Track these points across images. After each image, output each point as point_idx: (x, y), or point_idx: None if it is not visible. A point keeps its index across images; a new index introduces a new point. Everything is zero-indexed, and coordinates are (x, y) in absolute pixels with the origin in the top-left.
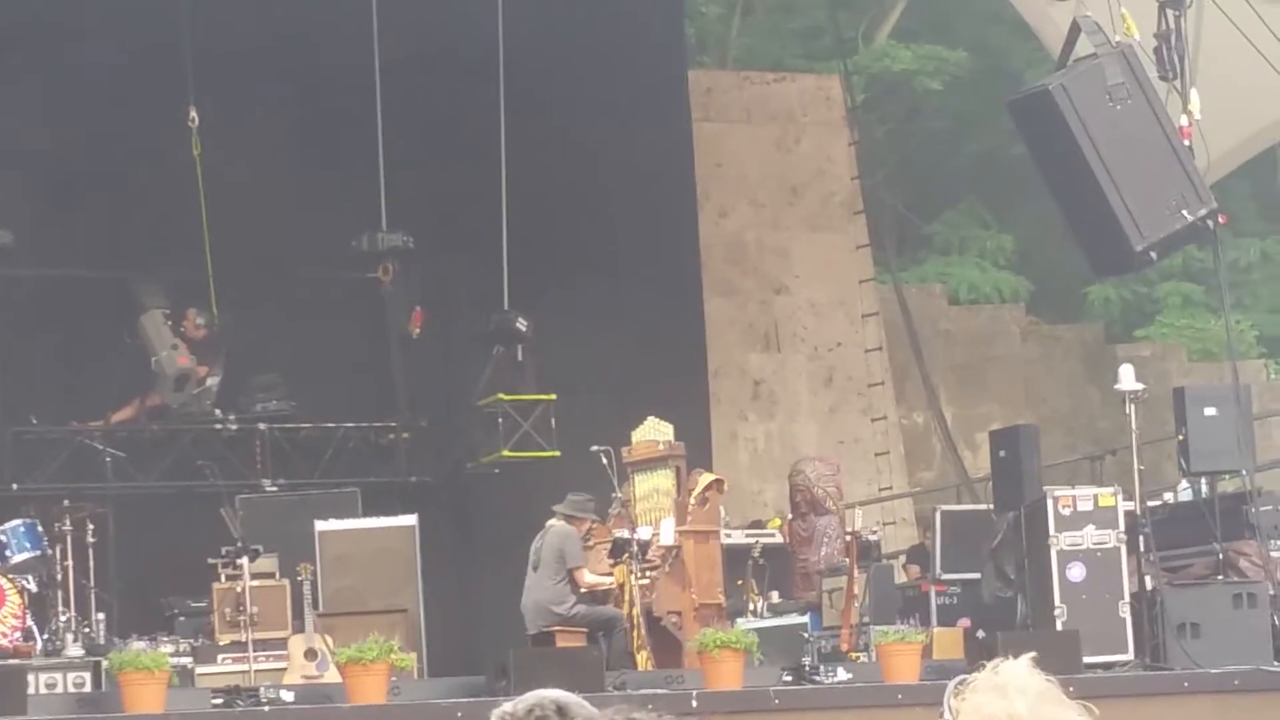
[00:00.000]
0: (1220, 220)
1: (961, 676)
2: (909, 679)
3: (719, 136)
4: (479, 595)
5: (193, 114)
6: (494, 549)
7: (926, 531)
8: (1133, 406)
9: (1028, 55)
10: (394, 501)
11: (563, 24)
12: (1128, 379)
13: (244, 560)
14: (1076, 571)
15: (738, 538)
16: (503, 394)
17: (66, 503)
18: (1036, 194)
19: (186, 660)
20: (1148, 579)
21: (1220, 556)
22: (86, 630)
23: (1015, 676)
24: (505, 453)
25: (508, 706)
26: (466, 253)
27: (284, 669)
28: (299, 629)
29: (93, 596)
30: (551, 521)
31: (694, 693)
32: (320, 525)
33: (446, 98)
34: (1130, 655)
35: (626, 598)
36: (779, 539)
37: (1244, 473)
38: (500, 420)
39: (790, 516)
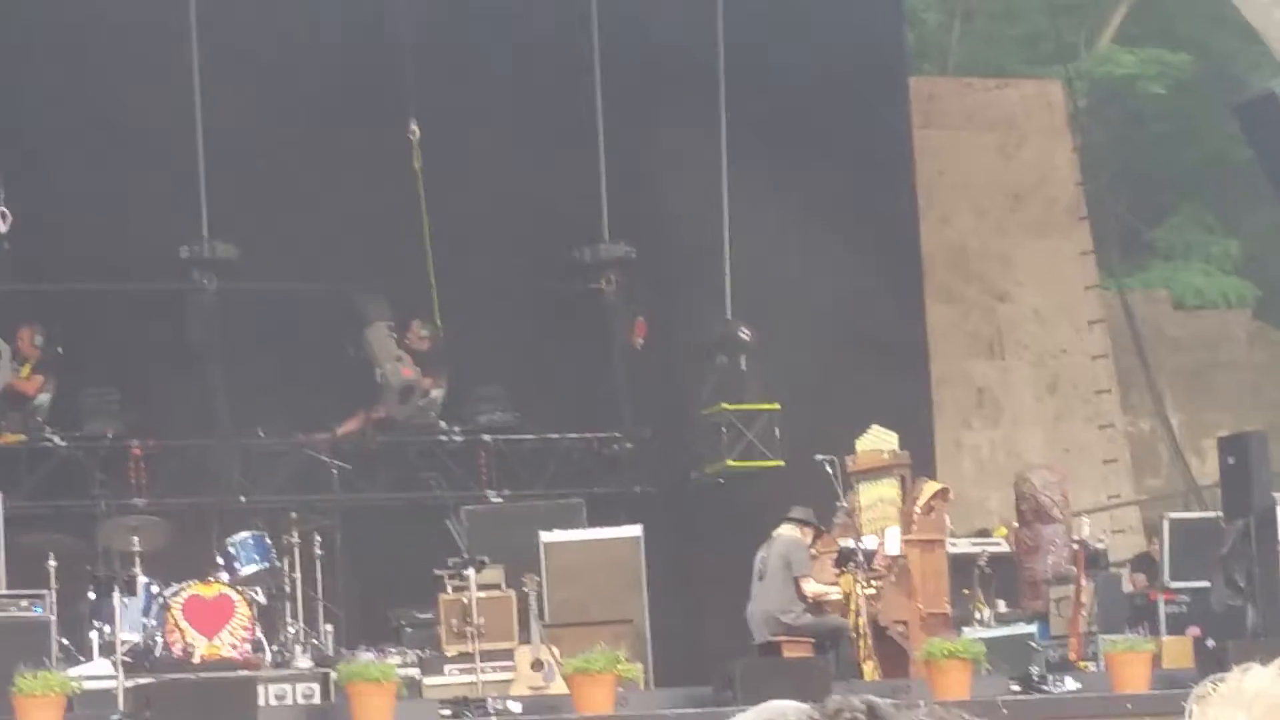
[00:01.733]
0: None
1: (1218, 676)
2: (1138, 688)
3: (941, 143)
4: (703, 605)
5: (414, 128)
6: (718, 559)
7: (1154, 539)
8: None
9: (1252, 58)
10: (618, 512)
11: (784, 33)
12: None
13: (470, 571)
14: None
15: (963, 546)
16: (726, 404)
17: (294, 515)
18: (1263, 197)
19: (414, 671)
20: None
21: None
22: (315, 642)
23: (1261, 683)
24: (729, 462)
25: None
26: (688, 263)
27: (511, 680)
28: (525, 640)
29: (321, 608)
30: (778, 530)
31: (921, 704)
32: (545, 536)
33: (667, 108)
34: None
35: (853, 607)
36: (1005, 548)
37: None
38: (724, 430)
39: (1016, 525)
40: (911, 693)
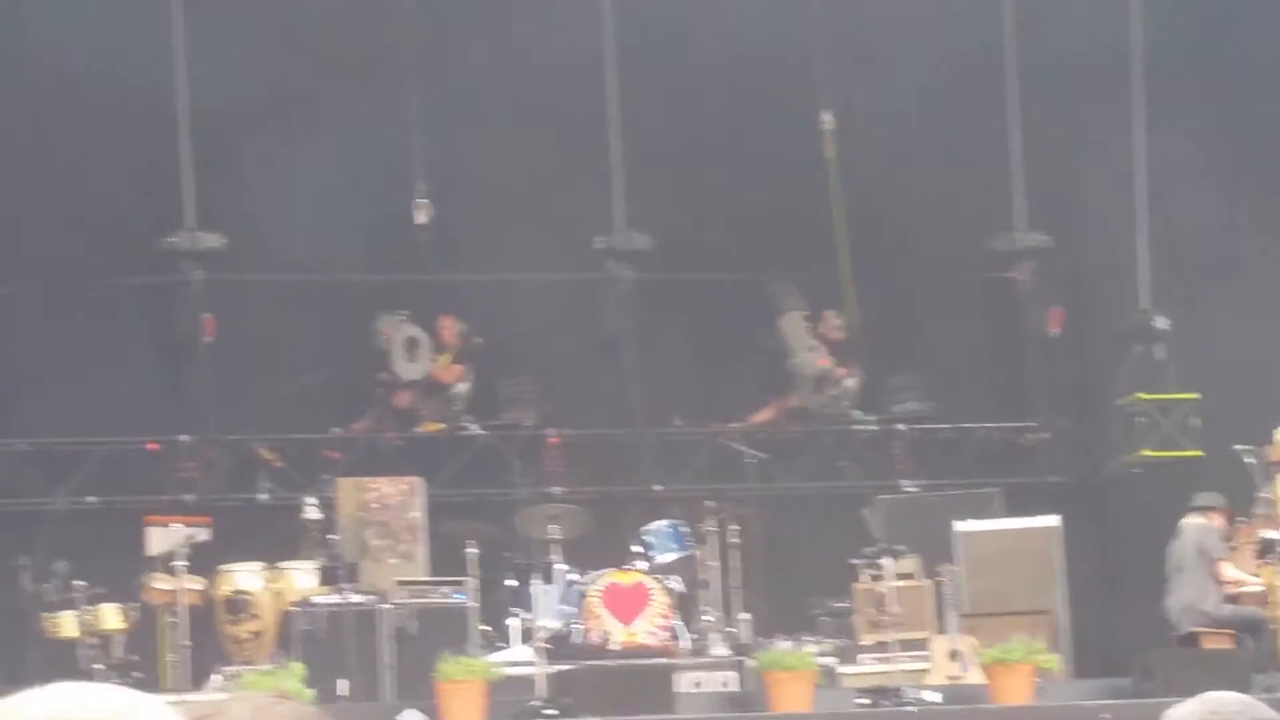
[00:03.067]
0: None
1: None
2: None
3: None
4: (1121, 596)
5: (826, 117)
6: (1135, 550)
7: None
8: None
9: None
10: (1033, 502)
11: (1206, 12)
12: None
13: (886, 561)
14: None
15: None
16: (1143, 393)
17: (709, 504)
18: None
19: (830, 660)
20: None
21: None
22: (731, 630)
23: None
24: (1145, 452)
25: None
26: (1104, 250)
27: (926, 669)
28: (941, 630)
29: (736, 596)
30: (1184, 521)
31: None
32: (960, 526)
33: (1081, 93)
34: None
35: (1274, 599)
36: None
37: None
38: (1141, 420)
39: None
40: None
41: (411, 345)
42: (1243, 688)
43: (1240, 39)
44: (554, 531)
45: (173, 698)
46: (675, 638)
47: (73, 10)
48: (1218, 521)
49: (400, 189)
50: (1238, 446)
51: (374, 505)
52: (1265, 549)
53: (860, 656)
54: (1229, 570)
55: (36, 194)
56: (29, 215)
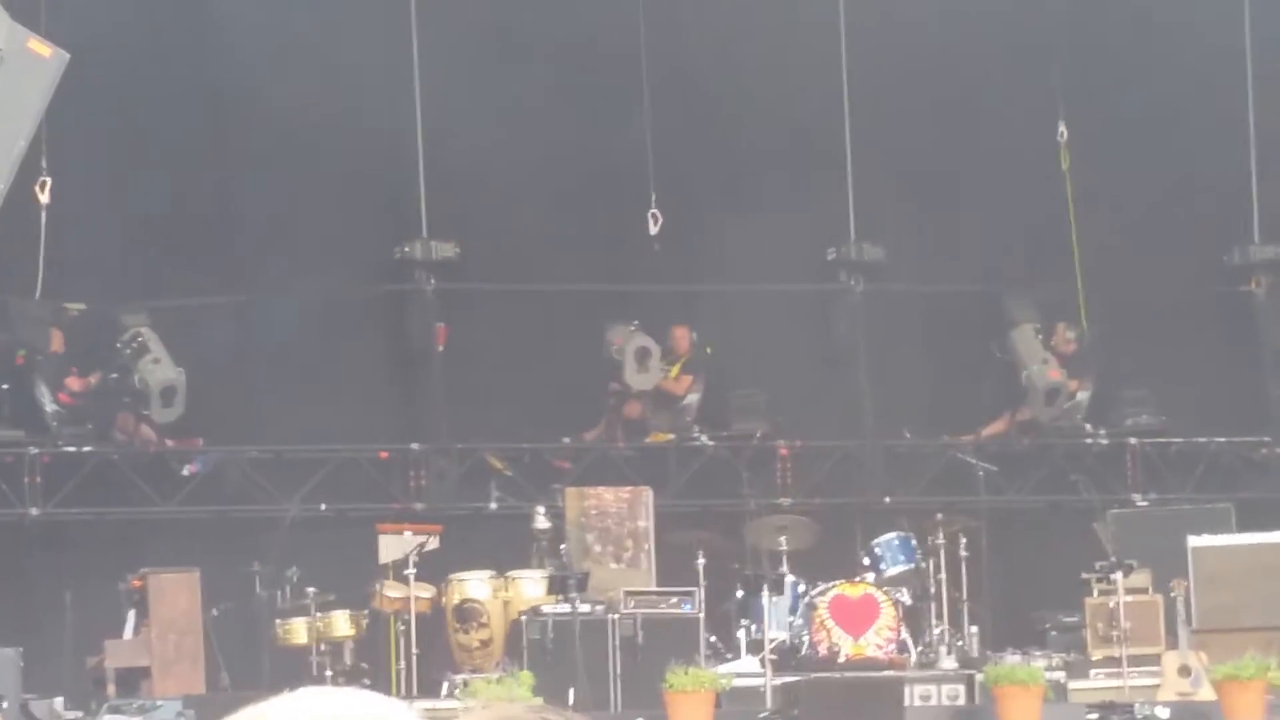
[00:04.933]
0: None
1: None
2: None
3: None
4: None
5: (1062, 129)
6: None
7: None
8: None
9: None
10: (1267, 517)
11: None
12: None
13: (1118, 575)
14: None
15: None
16: None
17: (940, 516)
18: None
19: (1060, 675)
20: None
21: None
22: (960, 643)
23: None
24: None
25: None
26: None
27: (1157, 685)
28: (1173, 645)
29: (966, 610)
30: None
31: None
32: (1193, 541)
33: None
34: None
35: None
36: None
37: None
38: None
39: None
40: None
41: (642, 355)
42: None
43: None
44: (782, 543)
45: (416, 704)
46: (903, 651)
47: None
48: None
49: (634, 198)
50: None
51: (594, 512)
52: None
53: (1090, 671)
54: None
55: (275, 207)
56: (270, 228)
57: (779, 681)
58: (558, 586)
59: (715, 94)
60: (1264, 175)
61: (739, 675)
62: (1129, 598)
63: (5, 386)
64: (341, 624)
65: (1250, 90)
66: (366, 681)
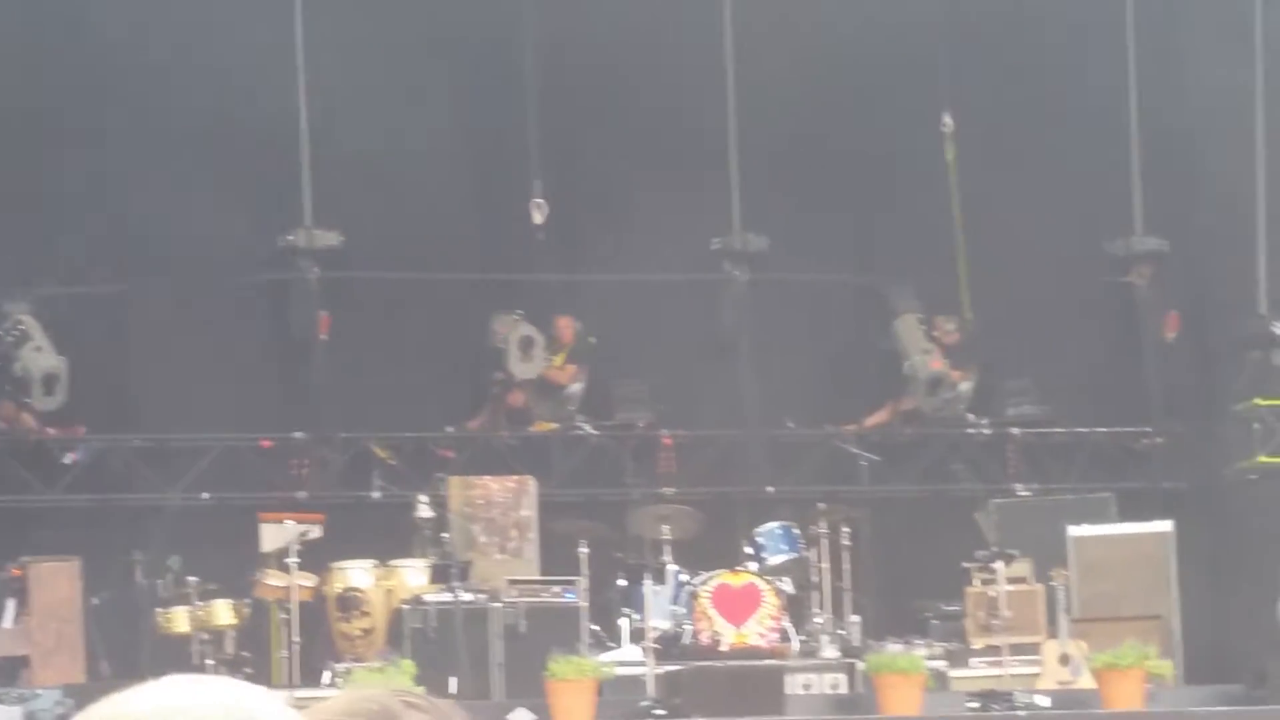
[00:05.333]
0: None
1: None
2: None
3: None
4: (1235, 602)
5: (946, 119)
6: (1249, 556)
7: None
8: None
9: None
10: (1147, 507)
11: None
12: None
13: (999, 564)
14: None
15: None
16: (1259, 399)
17: (822, 505)
18: None
19: (940, 663)
20: None
21: None
22: (841, 632)
23: None
24: (1261, 458)
25: None
26: (1221, 256)
27: (1037, 674)
28: (1053, 634)
29: (847, 598)
30: None
31: None
32: (1073, 530)
33: (1201, 98)
34: None
35: None
36: None
37: None
38: (1256, 426)
39: None
40: None
41: (526, 345)
42: None
43: None
44: (666, 532)
45: (284, 694)
46: (785, 639)
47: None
48: None
49: (518, 188)
50: None
51: (479, 502)
52: None
53: (971, 660)
54: None
55: (157, 194)
56: (151, 215)
57: (661, 670)
58: (440, 575)
59: (600, 85)
60: (1145, 166)
61: (621, 664)
62: (1010, 587)
63: None
64: (223, 613)
65: (1132, 82)
66: (248, 670)
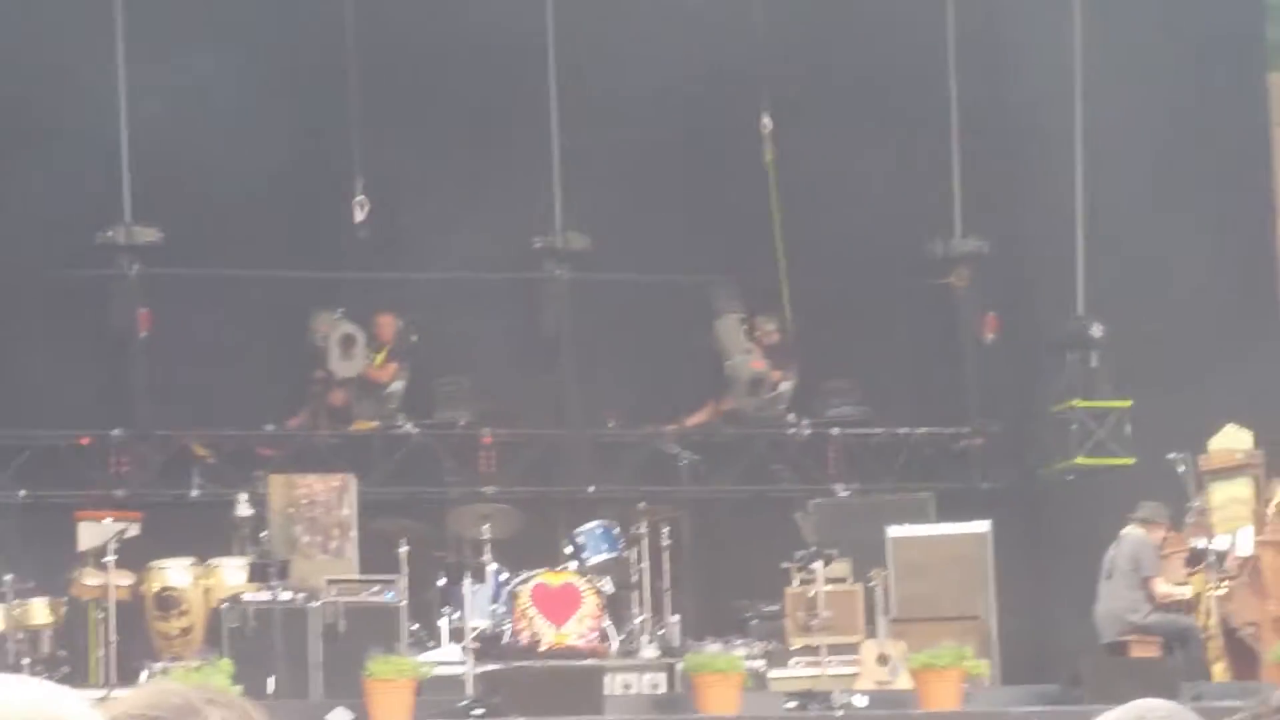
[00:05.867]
0: None
1: None
2: None
3: None
4: (1051, 603)
5: (766, 120)
6: (1066, 556)
7: None
8: None
9: None
10: (966, 507)
11: (1139, 27)
12: None
13: (817, 565)
14: None
15: None
16: (1077, 400)
17: (642, 505)
18: None
19: (759, 663)
20: None
21: None
22: (661, 632)
23: None
24: (1079, 459)
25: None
26: (1040, 258)
27: (856, 674)
28: (871, 634)
29: (668, 599)
30: (1126, 530)
31: None
32: (893, 531)
33: (1020, 99)
34: None
35: (1203, 608)
36: None
37: None
38: (1074, 427)
39: None
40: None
41: (347, 343)
42: (1171, 695)
43: (1169, 53)
44: (486, 531)
45: (99, 693)
46: (605, 639)
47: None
48: (1157, 535)
49: (339, 185)
50: (1171, 455)
51: (303, 502)
52: (1194, 559)
53: (790, 660)
54: (1162, 587)
55: None
56: None
57: (480, 670)
58: (259, 574)
59: (422, 82)
60: (965, 169)
61: (440, 663)
62: (829, 587)
63: None
64: (39, 612)
65: (953, 84)
66: (65, 669)
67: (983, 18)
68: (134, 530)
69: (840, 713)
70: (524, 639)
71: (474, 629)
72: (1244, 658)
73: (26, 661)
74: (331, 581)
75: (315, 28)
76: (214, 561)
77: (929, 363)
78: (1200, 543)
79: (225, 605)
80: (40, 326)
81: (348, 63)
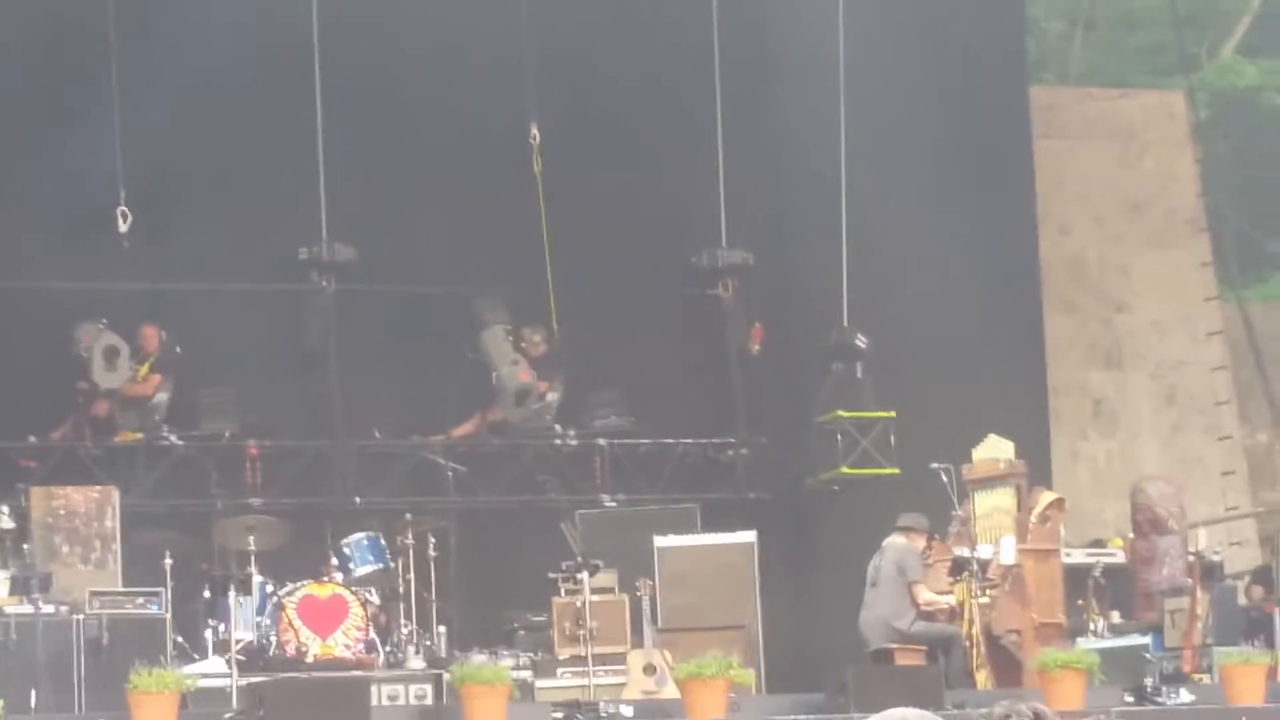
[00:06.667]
0: None
1: None
2: (1253, 701)
3: (1060, 153)
4: (817, 612)
5: (534, 131)
6: (832, 566)
7: (1272, 552)
8: None
9: None
10: (732, 518)
11: (904, 41)
12: None
13: (584, 575)
14: None
15: (1078, 557)
16: (842, 411)
17: (409, 516)
18: None
19: (526, 674)
20: None
21: None
22: (428, 643)
23: None
24: (844, 470)
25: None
26: (806, 269)
27: (623, 684)
28: (638, 644)
29: (434, 610)
30: (889, 539)
31: (1101, 715)
32: (659, 541)
33: (787, 113)
34: None
35: (966, 616)
36: (1120, 558)
37: None
38: (839, 437)
39: (1132, 536)
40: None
41: (111, 354)
42: (935, 704)
43: (931, 65)
44: (251, 543)
45: None
46: (371, 650)
47: None
48: (919, 543)
49: (102, 195)
50: (935, 465)
51: (61, 512)
52: (957, 567)
53: (558, 670)
54: (925, 594)
55: None
56: None
57: (245, 682)
58: (20, 586)
59: (186, 88)
60: (731, 180)
61: (205, 676)
62: (595, 597)
63: None
64: None
65: (718, 95)
66: None
67: (749, 29)
68: None
69: None
70: (290, 651)
71: (239, 641)
72: (1007, 665)
73: None
74: (95, 593)
75: (77, 31)
76: None
77: (696, 373)
78: (963, 552)
79: None
80: None
81: (110, 69)
